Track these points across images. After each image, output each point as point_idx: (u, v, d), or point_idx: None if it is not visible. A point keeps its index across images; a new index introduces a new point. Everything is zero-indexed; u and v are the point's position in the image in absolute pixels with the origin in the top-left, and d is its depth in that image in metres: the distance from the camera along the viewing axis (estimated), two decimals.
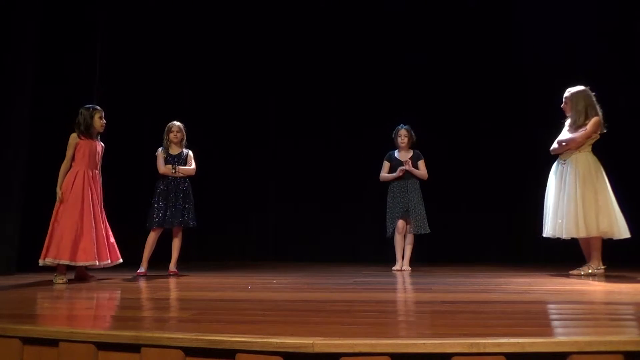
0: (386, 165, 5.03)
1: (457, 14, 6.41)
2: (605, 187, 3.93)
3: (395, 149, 5.09)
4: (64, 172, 3.89)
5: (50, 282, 3.61)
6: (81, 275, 3.91)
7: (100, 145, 4.07)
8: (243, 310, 2.37)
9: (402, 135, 4.98)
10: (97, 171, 4.01)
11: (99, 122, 3.99)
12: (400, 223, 4.86)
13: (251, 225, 6.85)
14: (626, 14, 5.84)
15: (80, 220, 3.76)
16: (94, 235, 3.80)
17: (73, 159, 3.92)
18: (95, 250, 3.78)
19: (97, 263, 3.81)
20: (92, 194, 3.87)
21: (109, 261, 3.92)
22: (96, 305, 2.70)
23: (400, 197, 4.90)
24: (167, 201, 4.34)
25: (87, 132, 3.95)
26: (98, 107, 4.04)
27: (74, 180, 3.84)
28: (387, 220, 4.94)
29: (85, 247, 3.73)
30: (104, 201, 4.05)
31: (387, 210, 4.95)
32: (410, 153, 5.02)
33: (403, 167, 4.88)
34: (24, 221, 4.41)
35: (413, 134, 5.01)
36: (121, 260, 4.05)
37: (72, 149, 3.92)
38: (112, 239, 4.03)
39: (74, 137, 3.94)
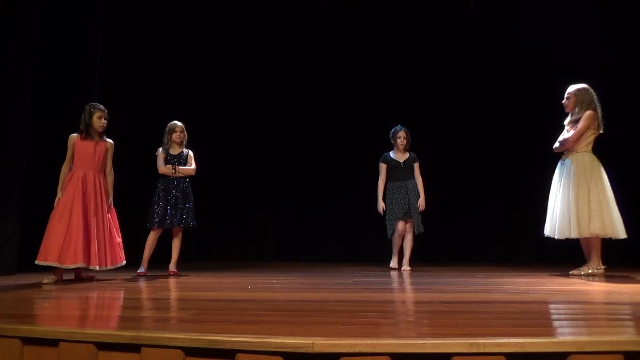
0: (383, 167, 5.02)
1: (457, 15, 6.41)
2: (600, 187, 3.90)
3: (390, 150, 5.08)
4: (64, 173, 3.86)
5: (50, 283, 3.62)
6: (81, 275, 3.90)
7: (103, 145, 3.98)
8: (243, 310, 2.37)
9: (402, 137, 4.95)
10: (96, 172, 3.91)
11: (98, 121, 3.91)
12: (400, 225, 4.86)
13: (251, 225, 6.85)
14: (627, 14, 5.84)
15: (68, 223, 3.68)
16: (84, 237, 3.69)
17: (73, 160, 3.88)
18: (86, 252, 3.68)
19: (91, 267, 3.73)
20: (85, 196, 3.78)
21: (111, 265, 3.87)
22: (96, 305, 2.70)
23: (400, 197, 4.89)
24: (167, 201, 4.34)
25: (87, 132, 3.90)
26: (99, 106, 3.96)
27: (69, 182, 3.80)
28: (387, 221, 4.93)
29: (74, 249, 3.64)
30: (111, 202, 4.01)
31: (387, 210, 4.93)
32: (407, 155, 5.01)
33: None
34: (24, 221, 4.41)
35: (409, 135, 5.02)
36: (124, 262, 4.01)
37: (69, 149, 3.88)
38: (117, 240, 3.96)
39: (71, 137, 3.90)
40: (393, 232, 4.89)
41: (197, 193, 4.60)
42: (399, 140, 4.96)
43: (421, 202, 4.88)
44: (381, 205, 4.94)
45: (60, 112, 4.74)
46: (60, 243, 3.63)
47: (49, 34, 4.81)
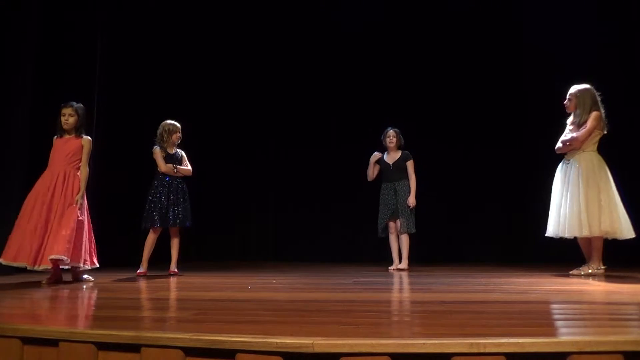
0: (376, 166, 5.12)
1: (458, 14, 6.41)
2: (608, 187, 3.92)
3: (385, 151, 5.14)
4: None
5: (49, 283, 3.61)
6: (76, 276, 3.87)
7: (75, 142, 3.86)
8: (243, 310, 2.37)
9: (391, 136, 5.02)
10: (62, 169, 3.78)
11: (62, 119, 3.87)
12: (391, 225, 4.95)
13: (251, 225, 6.85)
14: (627, 15, 5.83)
15: (25, 221, 3.63)
16: (40, 236, 3.59)
17: None
18: (37, 251, 3.56)
19: (30, 266, 3.55)
20: (51, 194, 3.68)
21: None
22: (96, 305, 2.70)
23: (388, 198, 4.97)
24: (168, 201, 4.33)
25: (59, 129, 3.88)
26: (66, 104, 3.90)
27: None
28: (378, 221, 5.03)
29: (29, 248, 3.55)
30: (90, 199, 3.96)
31: (379, 211, 5.03)
32: (399, 154, 5.04)
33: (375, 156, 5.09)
34: None
35: (401, 136, 5.05)
36: (66, 260, 3.56)
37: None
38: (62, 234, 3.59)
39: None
40: (382, 231, 5.01)
41: (198, 193, 4.60)
42: (387, 140, 5.04)
43: (410, 200, 4.87)
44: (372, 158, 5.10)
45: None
46: (21, 242, 3.58)
47: (49, 33, 4.80)
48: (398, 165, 4.99)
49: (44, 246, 3.58)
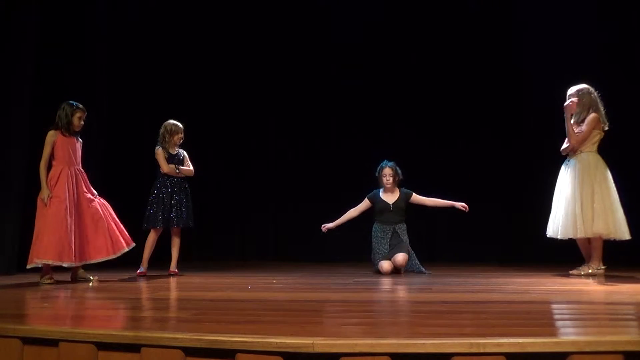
0: (366, 203, 4.59)
1: (458, 13, 6.41)
2: (605, 188, 3.91)
3: (379, 187, 4.61)
4: (45, 170, 3.76)
5: (49, 283, 3.61)
6: (78, 275, 3.87)
7: (79, 143, 3.97)
8: (243, 310, 2.37)
9: (387, 174, 4.44)
10: (79, 168, 3.91)
11: (78, 122, 3.88)
12: (387, 264, 4.32)
13: (251, 225, 6.84)
14: (626, 16, 5.83)
15: (65, 220, 3.65)
16: (78, 235, 3.74)
17: (53, 157, 3.81)
18: (79, 249, 3.71)
19: (92, 260, 3.80)
20: (75, 192, 3.79)
21: (109, 255, 3.88)
22: (96, 305, 2.70)
23: (385, 241, 4.46)
24: (171, 201, 4.32)
25: (68, 129, 3.85)
26: (81, 107, 3.92)
27: (58, 180, 3.75)
28: (373, 260, 4.54)
29: (71, 247, 3.64)
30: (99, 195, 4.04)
31: (372, 249, 4.53)
32: (397, 193, 4.53)
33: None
34: (24, 221, 4.40)
35: (399, 170, 4.52)
36: (133, 244, 4.03)
37: (49, 146, 3.79)
38: (115, 229, 3.95)
39: (52, 134, 3.82)
40: (377, 270, 4.40)
41: (198, 193, 4.59)
42: (384, 179, 4.46)
43: (460, 205, 4.47)
44: (328, 226, 4.68)
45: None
46: (64, 242, 3.61)
47: (49, 34, 4.80)
48: (399, 206, 4.49)
49: (85, 243, 3.78)
